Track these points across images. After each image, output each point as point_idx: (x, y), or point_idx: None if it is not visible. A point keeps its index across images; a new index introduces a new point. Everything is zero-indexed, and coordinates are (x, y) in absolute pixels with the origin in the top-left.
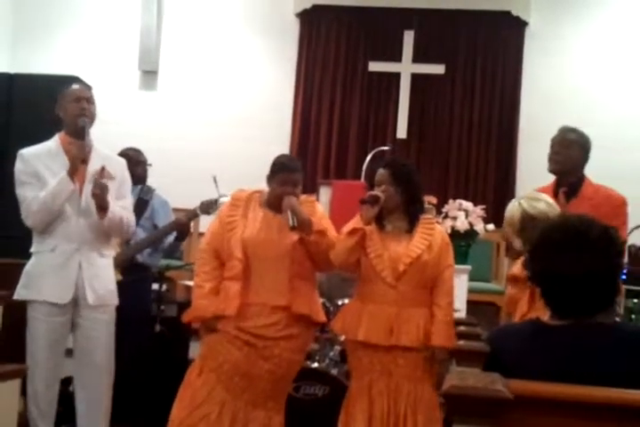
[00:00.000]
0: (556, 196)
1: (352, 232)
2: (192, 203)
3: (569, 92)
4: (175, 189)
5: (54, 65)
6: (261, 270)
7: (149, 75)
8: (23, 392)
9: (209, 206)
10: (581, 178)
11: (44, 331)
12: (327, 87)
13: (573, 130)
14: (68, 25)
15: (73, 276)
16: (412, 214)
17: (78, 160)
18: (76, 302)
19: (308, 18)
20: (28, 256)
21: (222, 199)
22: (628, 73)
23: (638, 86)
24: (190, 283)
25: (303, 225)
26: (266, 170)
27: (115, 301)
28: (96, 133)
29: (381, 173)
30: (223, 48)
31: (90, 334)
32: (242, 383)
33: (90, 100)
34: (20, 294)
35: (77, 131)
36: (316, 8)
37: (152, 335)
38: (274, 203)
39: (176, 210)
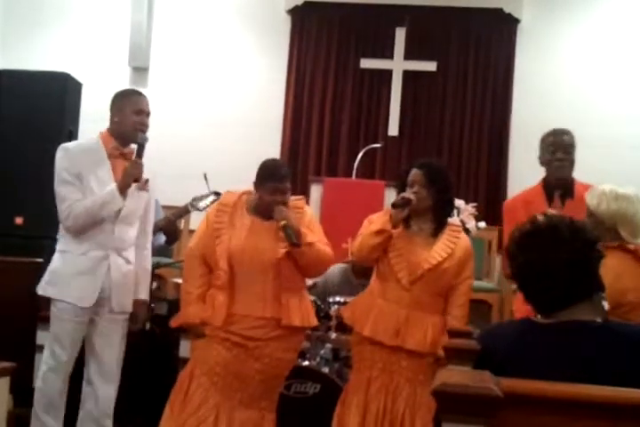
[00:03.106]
0: (550, 199)
1: (379, 232)
2: (182, 201)
3: (561, 89)
4: (165, 187)
5: (45, 61)
6: (247, 281)
7: (140, 71)
8: (12, 390)
9: (199, 202)
10: (572, 179)
11: (69, 331)
12: (318, 84)
13: (568, 132)
14: (59, 21)
15: (99, 281)
16: (439, 218)
17: (132, 178)
18: (98, 304)
19: (299, 14)
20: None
21: (213, 195)
22: (621, 70)
23: (632, 83)
24: (180, 281)
25: (296, 237)
26: (257, 168)
27: (131, 308)
28: (87, 130)
29: (415, 173)
30: (214, 45)
31: (106, 331)
32: (234, 384)
33: (149, 115)
34: (46, 290)
35: (128, 142)
36: (307, 4)
37: (142, 333)
38: (263, 209)
39: (165, 208)
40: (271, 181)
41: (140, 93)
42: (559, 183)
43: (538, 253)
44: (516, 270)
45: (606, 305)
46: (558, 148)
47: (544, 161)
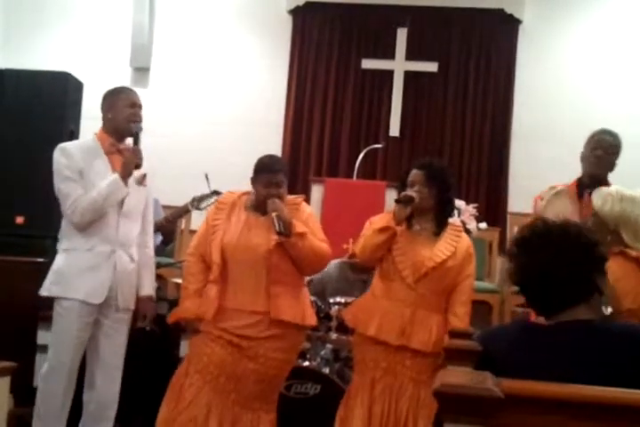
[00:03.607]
0: (580, 196)
1: (383, 230)
2: (182, 200)
3: (562, 89)
4: (166, 187)
5: (46, 61)
6: (240, 275)
7: (141, 71)
8: (12, 390)
9: (200, 202)
10: (606, 180)
11: (75, 331)
12: (320, 84)
13: (614, 134)
14: (60, 21)
15: (108, 277)
16: (441, 218)
17: (132, 165)
18: (104, 303)
19: (300, 15)
20: None
21: (214, 195)
22: (623, 70)
23: (633, 84)
24: (180, 281)
25: (285, 228)
26: None
27: (134, 306)
28: (88, 130)
29: (416, 173)
30: (215, 45)
31: (110, 332)
32: (228, 384)
33: (141, 107)
34: (51, 290)
35: (125, 134)
36: (308, 5)
37: (143, 333)
38: (259, 205)
39: (166, 207)
40: (265, 173)
41: (129, 89)
42: (592, 181)
43: (536, 255)
44: (516, 273)
45: (608, 310)
46: (599, 145)
47: (583, 157)
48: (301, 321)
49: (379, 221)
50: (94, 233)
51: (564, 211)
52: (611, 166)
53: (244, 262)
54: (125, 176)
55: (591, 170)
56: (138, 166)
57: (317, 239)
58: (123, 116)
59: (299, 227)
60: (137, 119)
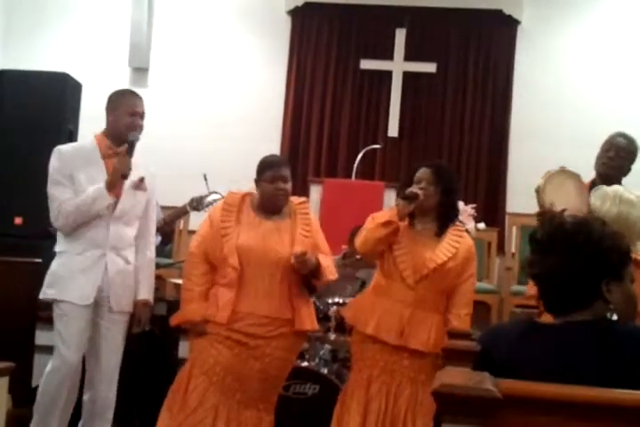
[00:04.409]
0: None
1: (386, 224)
2: (181, 201)
3: (561, 90)
4: (165, 187)
5: (45, 61)
6: (255, 278)
7: (140, 72)
8: (10, 390)
9: (199, 203)
10: (619, 183)
11: (75, 332)
12: (318, 85)
13: (629, 139)
14: (59, 21)
15: (97, 279)
16: (444, 219)
17: (119, 174)
18: (97, 304)
19: (299, 15)
20: None
21: (213, 196)
22: (621, 71)
23: (631, 84)
24: (179, 281)
25: (313, 273)
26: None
27: (131, 309)
28: (87, 131)
29: (424, 171)
30: (214, 45)
31: (107, 333)
32: (234, 384)
33: (143, 116)
34: (46, 293)
35: (122, 141)
36: (307, 5)
37: (141, 334)
38: (266, 204)
39: (165, 208)
40: (270, 169)
41: (135, 94)
42: (603, 183)
43: (543, 255)
44: (528, 267)
45: (614, 317)
46: (612, 147)
47: (596, 158)
48: (315, 328)
49: (381, 216)
50: (84, 237)
51: (568, 196)
52: (623, 169)
53: (259, 266)
54: (111, 184)
55: (602, 170)
56: (124, 177)
57: (323, 251)
58: (122, 122)
59: (330, 273)
60: (135, 128)
